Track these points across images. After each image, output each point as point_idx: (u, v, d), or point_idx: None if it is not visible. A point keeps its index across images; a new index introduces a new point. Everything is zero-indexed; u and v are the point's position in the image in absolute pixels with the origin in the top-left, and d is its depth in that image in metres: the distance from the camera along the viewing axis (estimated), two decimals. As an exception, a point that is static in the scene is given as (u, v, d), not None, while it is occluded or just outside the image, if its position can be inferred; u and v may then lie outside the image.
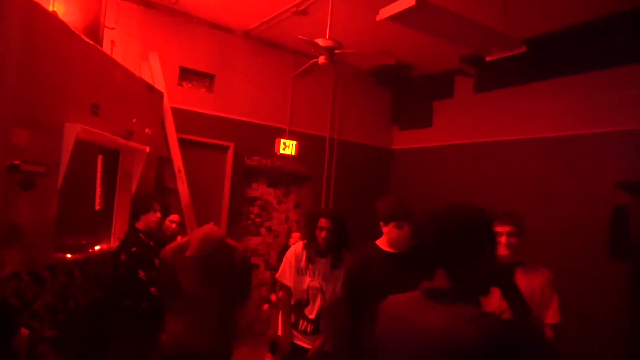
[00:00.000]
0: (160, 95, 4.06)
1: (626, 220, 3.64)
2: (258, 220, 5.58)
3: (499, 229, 2.47)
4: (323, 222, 2.81)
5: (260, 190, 5.61)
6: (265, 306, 4.57)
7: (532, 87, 4.70)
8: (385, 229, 2.51)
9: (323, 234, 2.78)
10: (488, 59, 3.97)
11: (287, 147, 5.41)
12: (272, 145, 5.38)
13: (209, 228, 2.81)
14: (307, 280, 2.86)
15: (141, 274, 2.88)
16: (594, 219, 3.96)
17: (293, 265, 2.90)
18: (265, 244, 5.57)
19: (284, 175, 5.71)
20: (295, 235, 4.42)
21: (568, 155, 4.34)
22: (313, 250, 2.85)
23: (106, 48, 3.49)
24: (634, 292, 3.56)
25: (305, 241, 2.93)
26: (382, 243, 2.57)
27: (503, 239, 2.45)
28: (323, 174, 5.93)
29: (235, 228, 5.23)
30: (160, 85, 4.31)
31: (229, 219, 5.14)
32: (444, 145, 5.74)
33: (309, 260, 2.85)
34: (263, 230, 5.61)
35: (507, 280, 1.31)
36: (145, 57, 4.50)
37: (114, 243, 3.28)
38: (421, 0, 2.92)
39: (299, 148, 5.48)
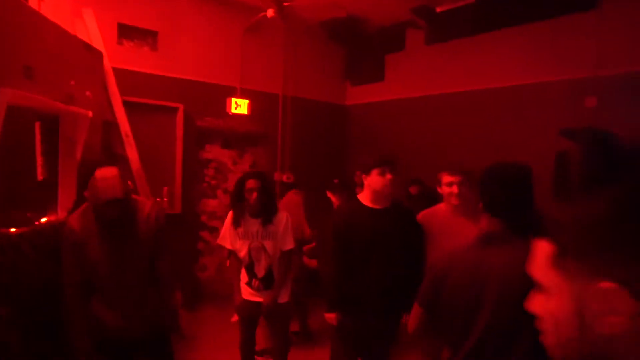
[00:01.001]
0: (99, 54, 3.80)
1: (567, 165, 3.86)
2: (214, 182, 5.49)
3: (449, 179, 2.53)
4: (251, 183, 2.83)
5: (214, 152, 5.48)
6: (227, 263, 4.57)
7: (482, 38, 4.77)
8: (367, 181, 2.50)
9: (254, 194, 2.80)
10: (439, 9, 3.99)
11: (239, 106, 5.27)
12: (224, 105, 5.22)
13: (101, 174, 2.08)
14: (247, 242, 2.90)
15: None
16: (541, 165, 4.17)
17: (232, 230, 2.93)
18: (222, 206, 5.51)
19: (237, 136, 5.59)
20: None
21: (515, 105, 4.50)
22: (246, 212, 2.88)
23: (33, 4, 3.18)
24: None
25: (236, 207, 2.92)
26: (364, 198, 2.56)
27: (454, 189, 2.53)
28: (277, 133, 5.86)
29: (190, 191, 5.12)
30: (98, 44, 4.02)
31: (184, 183, 5.02)
32: (397, 99, 5.78)
33: (243, 223, 2.88)
34: (219, 193, 5.53)
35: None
36: (78, 14, 4.15)
37: (61, 214, 3.13)
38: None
39: (251, 107, 5.35)
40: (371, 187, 2.48)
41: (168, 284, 2.42)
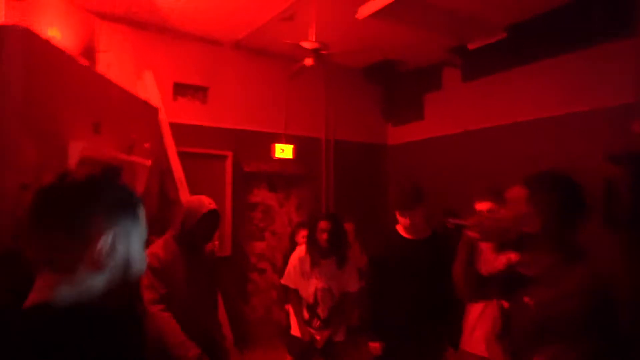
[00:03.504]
0: (156, 110, 4.20)
1: (617, 190, 3.74)
2: (262, 224, 5.70)
3: (478, 206, 2.53)
4: (323, 224, 2.91)
5: (261, 195, 5.73)
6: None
7: (516, 71, 4.82)
8: (397, 217, 2.62)
9: (324, 235, 2.88)
10: (471, 47, 4.11)
11: (284, 151, 5.54)
12: (269, 151, 5.51)
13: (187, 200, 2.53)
14: (314, 283, 2.95)
15: None
16: (587, 193, 4.05)
17: (297, 268, 3.00)
18: (270, 248, 5.68)
19: (283, 179, 5.83)
20: (303, 232, 4.46)
21: (555, 135, 4.45)
22: (317, 252, 2.94)
23: (104, 70, 3.63)
24: (630, 257, 3.67)
25: (307, 245, 3.02)
26: (400, 228, 2.66)
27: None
28: (322, 175, 6.05)
29: (240, 234, 5.35)
30: (156, 101, 4.45)
31: (233, 225, 5.26)
32: (437, 137, 5.85)
33: (314, 263, 2.94)
34: (267, 234, 5.72)
35: None
36: (140, 75, 4.65)
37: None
38: (398, -5, 3.06)
39: (296, 151, 5.61)
40: (400, 223, 2.59)
41: (221, 309, 2.65)
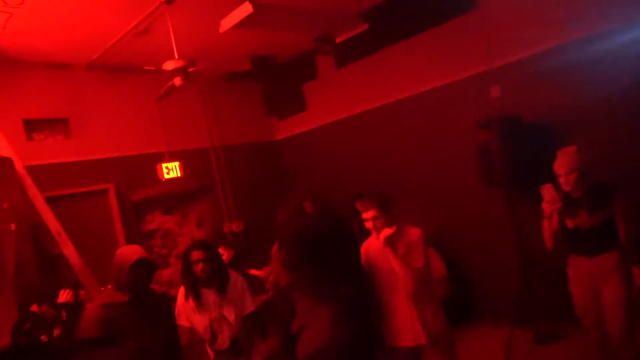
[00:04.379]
0: (8, 161, 3.63)
1: (488, 153, 4.11)
2: (164, 251, 5.35)
3: (364, 215, 2.56)
4: (195, 254, 2.79)
5: (156, 221, 5.35)
6: None
7: (384, 53, 5.03)
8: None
9: (199, 265, 2.76)
10: (338, 40, 4.16)
11: (171, 170, 5.18)
12: (155, 173, 5.11)
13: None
14: (206, 316, 2.83)
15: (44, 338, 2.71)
16: (466, 158, 4.41)
17: (187, 305, 2.86)
18: (177, 273, 5.36)
19: (176, 199, 5.49)
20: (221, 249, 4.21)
21: (428, 109, 4.75)
22: (197, 285, 2.83)
23: None
24: (509, 209, 4.12)
25: (183, 280, 2.88)
26: None
27: (369, 224, 2.55)
28: (217, 184, 5.82)
29: (141, 268, 4.96)
30: (4, 149, 3.84)
31: (132, 262, 4.85)
32: (322, 125, 5.92)
33: (196, 296, 2.82)
34: (172, 260, 5.39)
35: None
36: (-23, 121, 3.97)
37: (4, 338, 2.94)
38: (257, 4, 2.95)
39: (183, 167, 5.28)
40: None
41: None
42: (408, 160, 5.01)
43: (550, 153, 2.95)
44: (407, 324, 2.54)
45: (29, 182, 3.99)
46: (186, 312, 2.86)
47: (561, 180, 2.81)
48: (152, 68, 3.07)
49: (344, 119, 5.65)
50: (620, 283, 2.73)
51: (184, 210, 5.61)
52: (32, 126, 4.47)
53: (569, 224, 2.85)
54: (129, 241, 4.87)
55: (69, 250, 4.01)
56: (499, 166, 3.96)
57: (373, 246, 2.64)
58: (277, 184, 6.42)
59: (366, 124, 5.41)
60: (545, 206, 2.82)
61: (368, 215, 2.53)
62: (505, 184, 4.00)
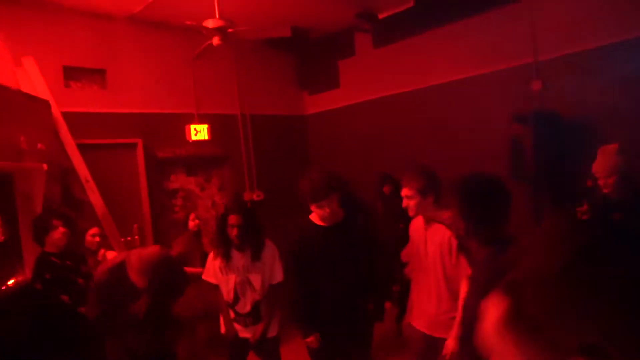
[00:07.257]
0: (45, 103, 3.71)
1: (521, 147, 4.02)
2: (183, 212, 5.43)
3: (402, 192, 2.46)
4: (232, 219, 2.79)
5: (179, 181, 5.43)
6: None
7: (426, 37, 4.90)
8: (311, 207, 2.55)
9: (234, 231, 2.77)
10: (380, 16, 4.07)
11: (199, 132, 5.24)
12: (183, 133, 5.17)
13: (156, 255, 2.43)
14: (233, 277, 2.86)
15: (65, 298, 2.72)
16: (497, 151, 4.31)
17: (216, 264, 2.90)
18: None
19: (201, 161, 5.55)
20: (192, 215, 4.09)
21: (466, 97, 4.64)
22: (229, 248, 2.85)
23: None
24: (534, 205, 4.02)
25: (217, 240, 2.91)
26: (314, 217, 2.61)
27: (403, 202, 2.45)
28: (242, 152, 5.85)
29: (161, 224, 5.06)
30: (43, 91, 3.92)
31: (153, 217, 4.95)
32: (354, 104, 5.85)
33: (227, 258, 2.85)
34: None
35: None
36: (19, 63, 4.04)
37: (28, 273, 3.05)
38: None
39: (211, 131, 5.32)
40: (316, 214, 2.55)
41: None
42: (435, 147, 4.93)
43: (587, 153, 2.86)
44: (431, 310, 2.45)
45: (63, 128, 4.07)
46: (214, 269, 2.90)
47: (600, 182, 2.72)
48: (194, 23, 3.06)
49: (375, 100, 5.58)
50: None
51: (207, 174, 5.67)
52: (70, 73, 4.54)
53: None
54: (152, 196, 4.96)
55: (95, 198, 4.11)
56: (530, 161, 3.87)
57: (418, 226, 2.57)
58: (300, 158, 6.41)
59: (397, 106, 5.33)
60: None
61: (404, 192, 2.41)
62: (534, 179, 3.91)
